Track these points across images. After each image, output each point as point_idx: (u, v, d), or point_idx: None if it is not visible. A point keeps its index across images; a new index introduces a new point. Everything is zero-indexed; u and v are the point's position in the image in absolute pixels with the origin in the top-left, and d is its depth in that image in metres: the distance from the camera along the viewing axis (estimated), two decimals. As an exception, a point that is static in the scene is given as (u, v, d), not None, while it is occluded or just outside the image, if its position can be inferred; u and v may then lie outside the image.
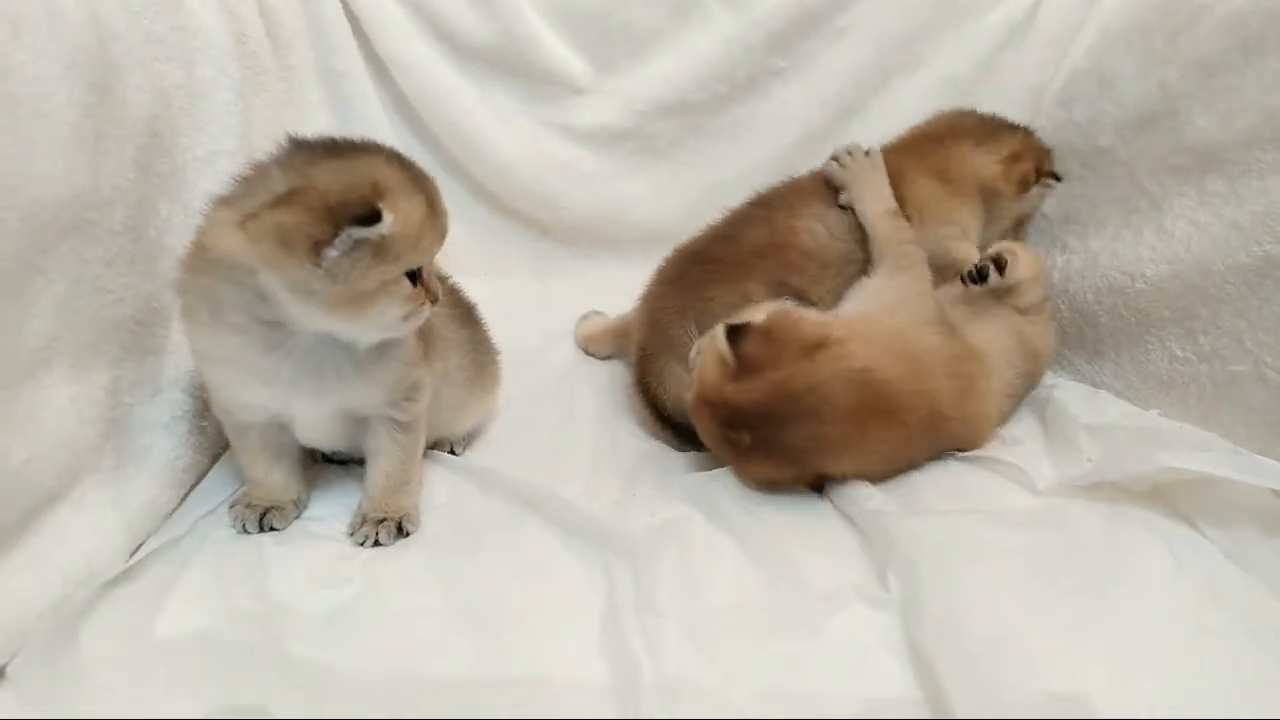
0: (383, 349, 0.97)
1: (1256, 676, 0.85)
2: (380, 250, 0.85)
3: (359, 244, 0.83)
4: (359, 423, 1.05)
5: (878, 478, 1.14)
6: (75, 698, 0.79)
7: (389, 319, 0.90)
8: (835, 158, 1.42)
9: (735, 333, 1.08)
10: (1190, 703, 0.80)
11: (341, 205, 0.82)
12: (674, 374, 1.29)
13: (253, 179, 0.89)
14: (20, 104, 0.87)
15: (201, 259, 0.90)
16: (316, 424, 1.02)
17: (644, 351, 1.36)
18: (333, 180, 0.84)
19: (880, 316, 1.19)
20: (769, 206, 1.43)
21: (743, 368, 1.07)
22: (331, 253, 0.82)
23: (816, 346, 1.08)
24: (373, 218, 0.83)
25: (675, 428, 1.30)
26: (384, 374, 0.99)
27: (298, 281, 0.84)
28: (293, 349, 0.93)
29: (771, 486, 1.14)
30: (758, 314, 1.13)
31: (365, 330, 0.92)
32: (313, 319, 0.88)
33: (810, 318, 1.14)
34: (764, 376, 1.06)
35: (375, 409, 1.02)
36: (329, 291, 0.84)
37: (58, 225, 0.91)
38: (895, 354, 1.11)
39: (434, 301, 0.94)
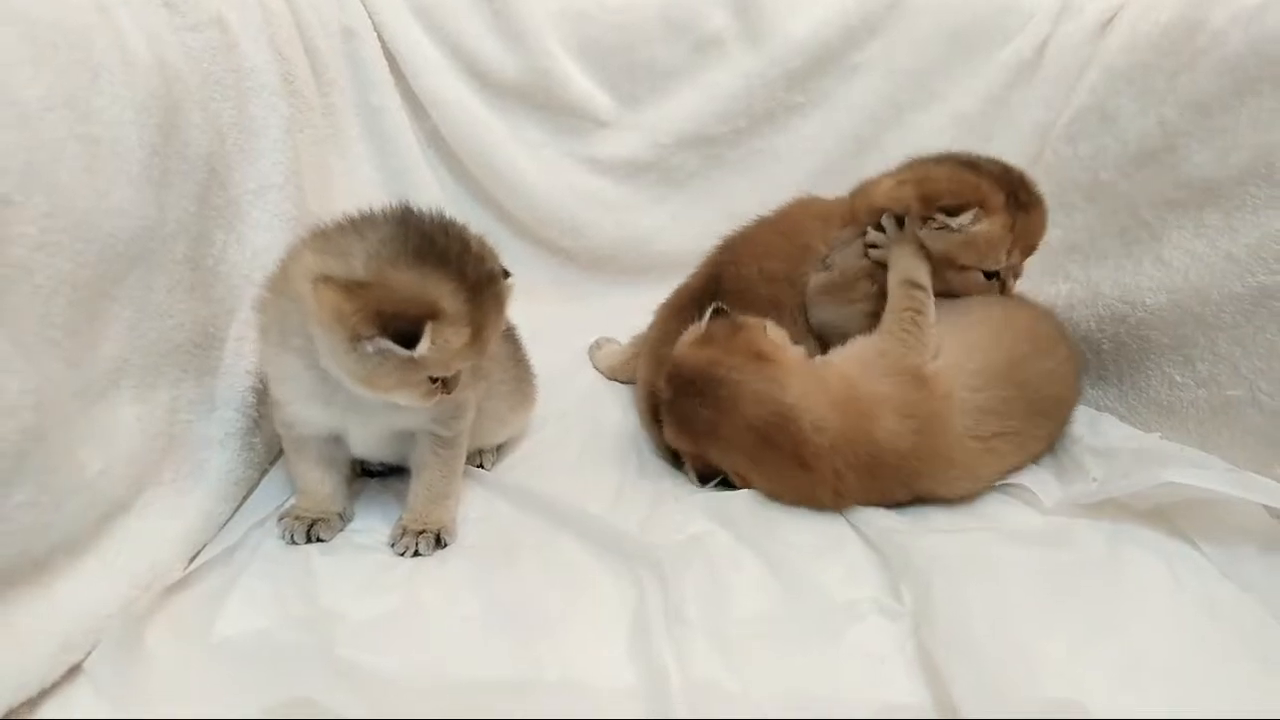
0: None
1: (1251, 689, 0.89)
2: (405, 363, 0.93)
3: (387, 352, 0.91)
4: (408, 437, 1.12)
5: (784, 499, 1.20)
6: (144, 693, 0.84)
7: (402, 399, 0.99)
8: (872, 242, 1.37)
9: (717, 313, 1.24)
10: (1186, 713, 0.85)
11: (391, 317, 0.89)
12: None
13: (348, 237, 0.96)
14: (99, 144, 0.95)
15: (283, 282, 0.99)
16: (369, 439, 1.11)
17: (653, 389, 1.42)
18: (400, 289, 0.91)
19: (840, 364, 1.24)
20: (734, 251, 1.51)
21: (703, 340, 1.22)
22: (367, 347, 0.91)
23: (759, 357, 1.18)
24: (409, 341, 0.90)
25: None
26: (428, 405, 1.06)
27: (334, 349, 0.93)
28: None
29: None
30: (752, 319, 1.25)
31: (371, 397, 0.99)
32: (334, 372, 0.98)
33: (776, 340, 1.23)
34: (706, 352, 1.20)
35: (422, 426, 1.10)
36: (355, 370, 0.94)
37: (129, 256, 0.99)
38: (833, 402, 1.16)
39: (449, 393, 1.01)
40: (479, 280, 0.97)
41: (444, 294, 0.93)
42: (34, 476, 0.82)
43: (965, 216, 1.25)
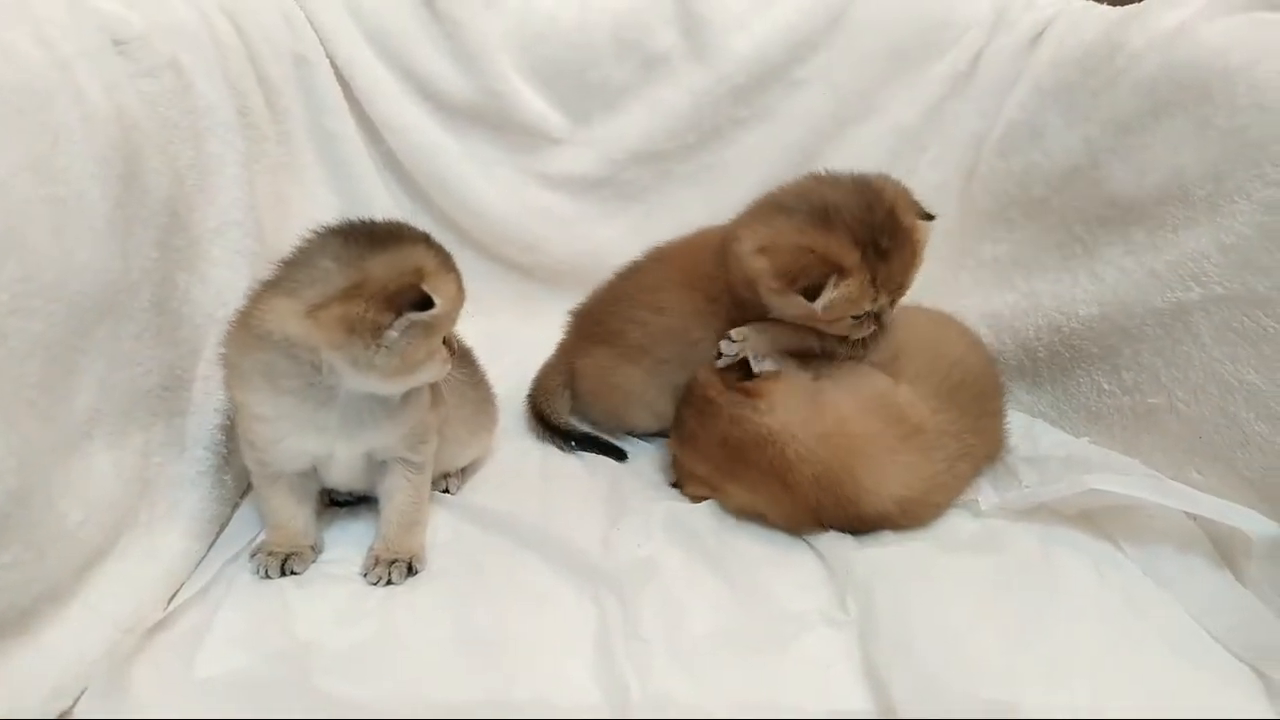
0: (405, 397, 1.12)
1: (1168, 680, 0.98)
2: (428, 327, 1.01)
3: (414, 325, 0.98)
4: (378, 465, 1.17)
5: (766, 513, 1.24)
6: (133, 734, 0.89)
7: (426, 376, 1.07)
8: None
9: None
10: (1110, 705, 0.93)
11: (399, 294, 0.97)
12: (558, 403, 1.57)
13: (305, 269, 1.02)
14: (64, 205, 0.97)
15: (252, 337, 1.03)
16: (348, 465, 1.15)
17: (541, 392, 1.60)
18: (386, 271, 0.99)
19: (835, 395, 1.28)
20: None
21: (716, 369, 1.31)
22: (392, 334, 0.97)
23: (745, 391, 1.25)
24: (426, 304, 0.97)
25: (558, 432, 1.55)
26: (407, 417, 1.13)
27: (359, 359, 0.98)
28: (337, 404, 1.07)
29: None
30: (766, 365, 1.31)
31: (404, 387, 1.08)
32: (366, 385, 1.03)
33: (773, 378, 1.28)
34: (709, 376, 1.31)
35: (394, 451, 1.15)
36: (387, 365, 0.99)
37: (97, 310, 1.02)
38: (821, 435, 1.20)
39: (453, 354, 1.10)
40: (425, 237, 1.08)
41: (418, 255, 1.03)
42: (19, 535, 0.85)
43: (825, 294, 1.19)
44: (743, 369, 1.29)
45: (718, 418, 1.24)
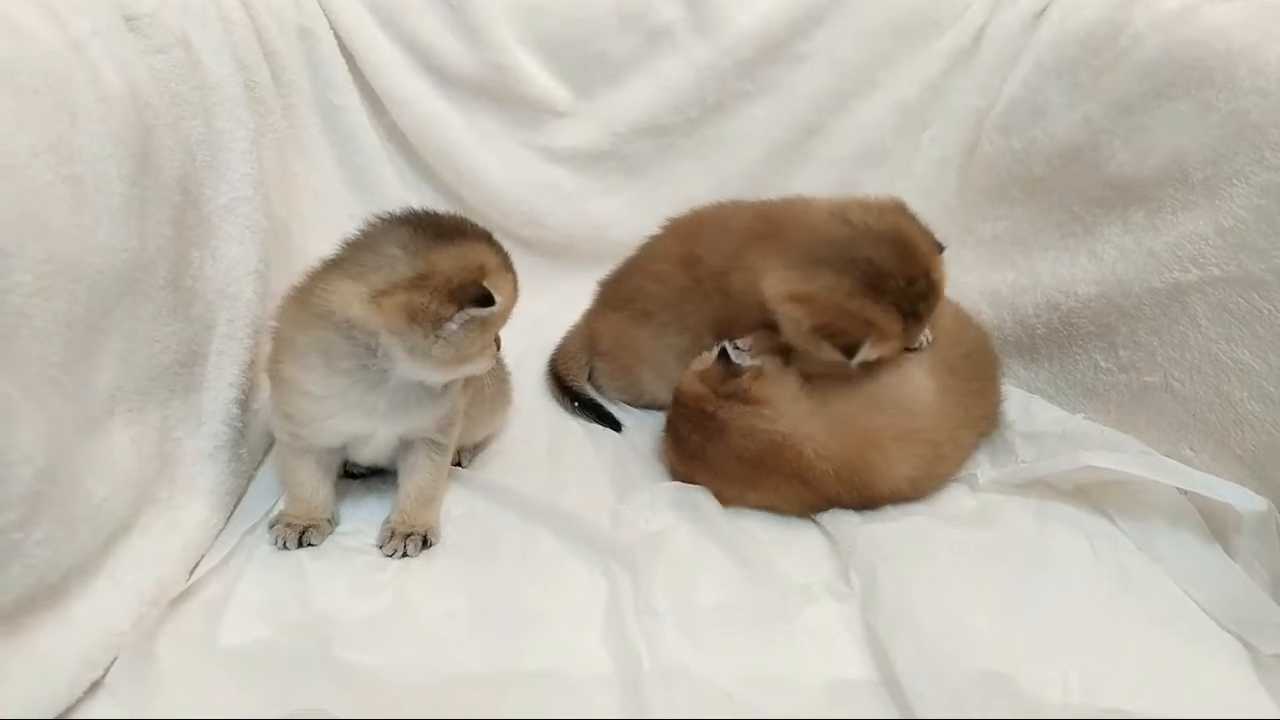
0: (448, 384, 1.14)
1: (1158, 651, 1.01)
2: (484, 324, 1.04)
3: (472, 320, 1.02)
4: (405, 444, 1.20)
5: (785, 510, 1.26)
6: (160, 703, 0.91)
7: (473, 370, 1.10)
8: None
9: (722, 354, 1.30)
10: (1100, 677, 0.96)
11: (462, 289, 1.00)
12: (575, 367, 1.64)
13: (372, 254, 1.04)
14: (82, 184, 0.98)
15: (311, 315, 1.05)
16: (383, 445, 1.18)
17: (561, 355, 1.68)
18: (451, 265, 1.02)
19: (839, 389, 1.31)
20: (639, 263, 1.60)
21: (702, 375, 1.29)
22: (451, 326, 1.01)
23: (747, 399, 1.25)
24: (487, 300, 1.01)
25: (568, 392, 1.62)
26: (444, 401, 1.16)
27: (416, 346, 1.02)
28: (387, 388, 1.09)
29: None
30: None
31: (452, 378, 1.11)
32: (417, 373, 1.06)
33: (771, 381, 1.28)
34: (700, 387, 1.28)
35: (425, 432, 1.18)
36: (442, 355, 1.03)
37: (116, 289, 1.03)
38: (833, 427, 1.23)
39: (498, 350, 1.14)
40: (488, 235, 1.11)
41: (482, 253, 1.06)
42: (49, 513, 0.87)
43: (862, 353, 1.23)
44: (724, 365, 1.27)
45: (725, 432, 1.23)
